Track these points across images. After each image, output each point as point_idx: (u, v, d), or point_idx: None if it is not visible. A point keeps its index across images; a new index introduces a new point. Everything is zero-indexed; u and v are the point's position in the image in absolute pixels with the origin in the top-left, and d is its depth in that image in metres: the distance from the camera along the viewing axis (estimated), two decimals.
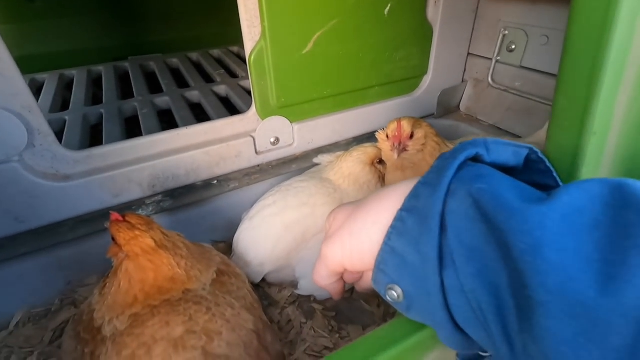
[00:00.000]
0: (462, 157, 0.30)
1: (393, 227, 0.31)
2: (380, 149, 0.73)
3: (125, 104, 1.13)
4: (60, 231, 0.68)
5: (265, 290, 0.73)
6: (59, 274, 0.71)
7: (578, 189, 0.26)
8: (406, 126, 0.71)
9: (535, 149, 0.34)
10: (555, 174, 0.34)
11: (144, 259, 0.52)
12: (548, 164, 0.34)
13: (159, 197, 0.76)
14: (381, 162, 0.75)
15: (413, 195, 0.31)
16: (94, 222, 0.70)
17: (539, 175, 0.35)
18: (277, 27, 0.70)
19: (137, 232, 0.53)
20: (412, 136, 0.72)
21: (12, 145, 0.59)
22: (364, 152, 0.75)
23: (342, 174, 0.74)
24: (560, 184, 0.35)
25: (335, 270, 0.38)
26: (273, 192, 0.74)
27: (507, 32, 0.90)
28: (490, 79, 0.97)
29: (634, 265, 0.21)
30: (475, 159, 0.32)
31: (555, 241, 0.23)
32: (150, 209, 0.74)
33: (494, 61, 0.95)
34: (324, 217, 0.67)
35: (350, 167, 0.74)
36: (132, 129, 1.03)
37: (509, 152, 0.33)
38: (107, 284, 0.53)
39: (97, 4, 1.50)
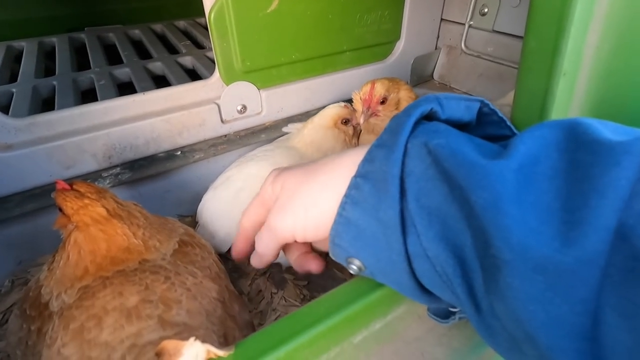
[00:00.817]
0: (416, 114, 0.28)
1: (347, 196, 0.28)
2: (348, 109, 0.70)
3: (80, 76, 1.04)
4: (6, 207, 0.62)
5: (235, 263, 0.71)
6: (7, 254, 0.66)
7: (532, 137, 0.24)
8: (379, 89, 0.69)
9: (487, 102, 0.32)
10: (509, 123, 0.33)
11: (95, 229, 0.48)
12: (500, 114, 0.33)
13: (117, 170, 0.71)
14: (347, 122, 0.72)
15: (367, 160, 0.28)
16: (44, 197, 0.64)
17: (492, 127, 0.33)
18: None
19: (86, 201, 0.49)
20: (384, 101, 0.70)
21: None
22: (324, 115, 0.71)
23: (304, 142, 0.71)
24: (516, 132, 0.33)
25: (284, 241, 0.35)
26: (237, 162, 0.71)
27: None
28: (463, 45, 0.96)
29: (594, 207, 0.20)
30: (430, 116, 0.30)
31: (515, 194, 0.22)
32: (107, 181, 0.69)
33: (466, 26, 0.93)
34: None
35: (312, 133, 0.71)
36: (89, 102, 0.95)
37: (461, 107, 0.31)
38: (56, 258, 0.49)
39: None
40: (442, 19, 0.99)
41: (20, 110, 0.85)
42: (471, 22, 0.92)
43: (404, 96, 0.70)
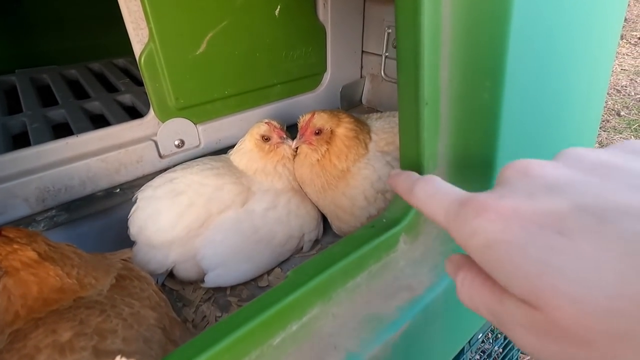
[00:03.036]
0: None
1: None
2: (268, 126, 0.75)
3: (11, 120, 1.02)
4: None
5: (180, 293, 0.72)
6: None
7: None
8: (317, 121, 0.72)
9: None
10: None
11: (26, 273, 0.49)
12: None
13: (52, 212, 0.71)
14: (268, 139, 0.76)
15: None
16: None
17: None
18: (164, 29, 0.71)
19: (15, 246, 0.50)
20: (319, 132, 0.73)
21: None
22: (244, 139, 0.78)
23: (239, 164, 0.77)
24: None
25: None
26: (183, 166, 0.75)
27: (390, 30, 1.01)
28: (382, 73, 1.07)
29: None
30: None
31: None
32: (42, 225, 0.69)
33: (383, 57, 1.05)
34: (228, 191, 0.70)
35: (237, 159, 0.77)
36: (21, 147, 0.94)
37: None
38: None
39: None
40: (363, 51, 1.11)
41: None
42: (387, 54, 1.04)
43: (341, 133, 0.73)
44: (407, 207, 0.51)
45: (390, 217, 0.51)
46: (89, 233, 0.75)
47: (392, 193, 0.74)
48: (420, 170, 0.49)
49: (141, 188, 0.71)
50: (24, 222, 0.68)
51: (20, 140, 0.97)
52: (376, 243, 0.47)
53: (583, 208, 0.19)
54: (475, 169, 0.50)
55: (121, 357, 0.30)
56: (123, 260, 0.62)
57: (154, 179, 0.72)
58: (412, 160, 0.49)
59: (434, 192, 0.27)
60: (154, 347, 0.48)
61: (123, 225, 0.80)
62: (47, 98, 1.20)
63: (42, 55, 1.50)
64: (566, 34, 0.51)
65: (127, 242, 0.79)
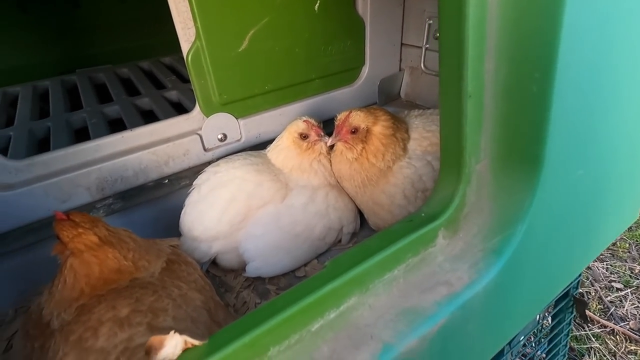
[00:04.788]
0: None
1: None
2: (306, 124, 0.76)
3: (73, 116, 1.12)
4: (7, 242, 0.68)
5: (222, 279, 0.76)
6: (10, 285, 0.71)
7: None
8: (353, 119, 0.71)
9: None
10: None
11: (89, 255, 0.54)
12: None
13: (110, 200, 0.77)
14: (306, 137, 0.77)
15: None
16: (43, 230, 0.71)
17: None
18: (210, 27, 0.74)
19: (80, 230, 0.55)
20: (355, 131, 0.72)
21: None
22: (282, 135, 0.79)
23: (274, 160, 0.78)
24: None
25: None
26: (226, 160, 0.78)
27: (431, 22, 0.98)
28: (422, 66, 1.05)
29: None
30: None
31: None
32: (101, 211, 0.75)
33: (424, 49, 1.03)
34: (267, 189, 0.73)
35: (274, 156, 0.79)
36: (82, 140, 1.02)
37: None
38: (54, 283, 0.55)
39: (36, 19, 1.47)
40: (402, 44, 1.09)
41: (18, 152, 0.91)
42: (427, 45, 1.02)
43: (378, 131, 0.72)
44: (447, 203, 0.50)
45: (429, 212, 0.51)
46: (140, 220, 0.81)
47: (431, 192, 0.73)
48: (461, 165, 0.48)
49: (189, 191, 0.76)
50: (86, 209, 0.75)
51: (81, 135, 1.07)
52: (414, 237, 0.47)
53: None
54: (521, 165, 0.48)
55: (174, 332, 0.33)
56: (171, 246, 0.67)
57: (200, 175, 0.76)
58: (453, 155, 0.48)
59: None
60: (200, 327, 0.51)
61: (170, 213, 0.85)
62: (103, 95, 1.30)
63: (98, 55, 1.61)
64: (624, 24, 0.48)
65: (174, 229, 0.85)
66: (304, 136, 0.77)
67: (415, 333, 0.41)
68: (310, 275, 0.73)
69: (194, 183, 0.76)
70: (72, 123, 1.10)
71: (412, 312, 0.43)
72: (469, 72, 0.41)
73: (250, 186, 0.73)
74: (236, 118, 0.87)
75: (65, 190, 0.72)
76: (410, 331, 0.41)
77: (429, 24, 0.99)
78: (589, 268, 1.60)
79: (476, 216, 0.51)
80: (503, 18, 0.41)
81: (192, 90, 1.26)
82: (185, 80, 1.40)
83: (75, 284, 0.53)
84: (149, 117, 1.14)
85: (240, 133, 0.89)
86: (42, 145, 1.02)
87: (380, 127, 0.72)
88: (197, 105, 0.82)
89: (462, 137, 0.45)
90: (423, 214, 0.51)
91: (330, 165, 0.82)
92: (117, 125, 1.12)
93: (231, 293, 0.73)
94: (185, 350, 0.34)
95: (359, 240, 0.86)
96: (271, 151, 0.81)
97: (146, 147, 0.79)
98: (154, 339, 0.33)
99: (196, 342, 0.34)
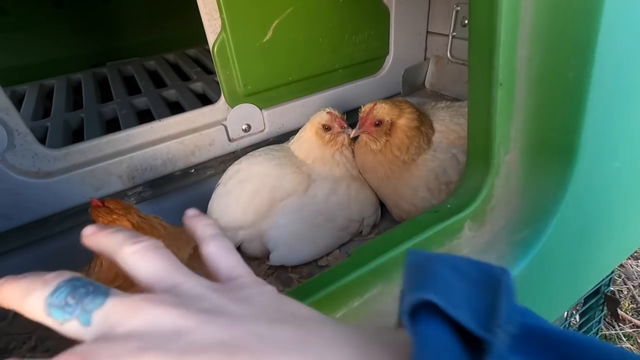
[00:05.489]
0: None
1: None
2: (330, 116, 0.76)
3: (104, 107, 1.16)
4: (48, 226, 0.72)
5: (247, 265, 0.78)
6: (50, 267, 0.75)
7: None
8: (377, 112, 0.70)
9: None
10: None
11: None
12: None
13: (140, 188, 0.80)
14: (329, 128, 0.77)
15: None
16: (79, 215, 0.74)
17: None
18: (235, 18, 0.75)
19: (114, 216, 0.58)
20: (379, 123, 0.71)
21: None
22: (306, 127, 0.79)
23: (297, 151, 0.79)
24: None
25: None
26: (247, 157, 0.79)
27: (459, 8, 0.95)
28: (449, 54, 1.02)
29: None
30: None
31: None
32: (132, 199, 0.78)
33: (450, 37, 1.00)
34: (289, 181, 0.73)
35: (297, 147, 0.79)
36: (113, 130, 1.06)
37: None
38: (91, 265, 0.58)
39: (69, 13, 1.53)
40: (428, 32, 1.06)
41: (54, 141, 0.96)
42: (454, 33, 0.99)
43: (403, 124, 0.71)
44: (474, 193, 0.49)
45: (456, 203, 0.50)
46: (168, 208, 0.84)
47: (456, 184, 0.72)
48: (490, 156, 0.47)
49: (216, 186, 0.78)
50: (117, 196, 0.78)
51: (112, 125, 1.11)
52: (440, 228, 0.47)
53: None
54: (553, 156, 0.47)
55: None
56: None
57: (224, 173, 0.79)
58: (481, 146, 0.47)
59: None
60: None
61: (196, 202, 0.87)
62: (132, 87, 1.34)
63: (127, 48, 1.66)
64: None
65: None
66: (327, 128, 0.76)
67: None
68: (333, 265, 0.74)
69: (219, 181, 0.78)
70: (104, 114, 1.14)
71: None
72: (500, 60, 0.40)
73: (273, 180, 0.74)
74: (260, 109, 0.88)
75: (99, 178, 0.75)
76: None
77: (456, 11, 0.96)
78: (622, 266, 1.53)
79: (504, 208, 0.50)
80: (539, 2, 0.39)
81: (216, 82, 1.28)
82: (209, 71, 1.42)
83: (110, 267, 0.55)
84: (175, 108, 1.18)
85: (264, 124, 0.90)
86: (76, 135, 1.07)
87: (405, 120, 0.71)
88: (222, 96, 0.83)
89: (492, 126, 0.44)
90: (449, 205, 0.50)
91: (353, 157, 0.82)
92: (145, 117, 1.15)
93: None
94: None
95: (380, 231, 0.86)
96: (294, 143, 0.81)
97: (174, 137, 0.81)
98: None
99: None
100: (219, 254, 0.26)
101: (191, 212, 0.30)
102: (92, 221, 0.58)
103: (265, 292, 0.23)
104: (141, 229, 0.59)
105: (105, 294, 0.21)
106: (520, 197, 0.49)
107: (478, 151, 0.48)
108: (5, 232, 0.70)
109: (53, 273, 0.23)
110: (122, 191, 0.79)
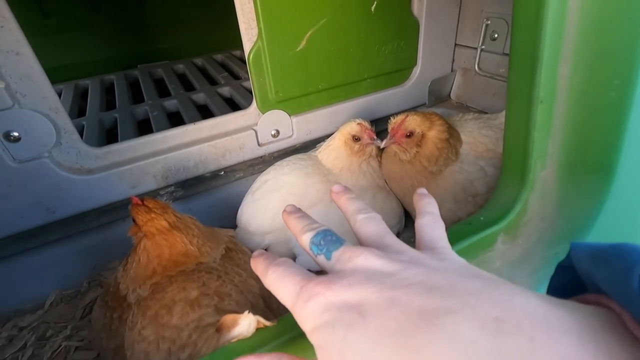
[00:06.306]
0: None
1: None
2: (360, 126, 0.77)
3: (137, 108, 1.21)
4: (86, 220, 0.76)
5: None
6: (85, 259, 0.79)
7: None
8: (409, 124, 0.71)
9: None
10: None
11: (160, 238, 0.59)
12: None
13: (172, 188, 0.83)
14: (358, 139, 0.78)
15: None
16: (115, 211, 0.78)
17: None
18: (272, 28, 0.77)
19: (153, 215, 0.60)
20: (410, 135, 0.72)
21: (43, 142, 0.67)
22: (335, 136, 0.80)
23: (324, 160, 0.80)
24: None
25: None
26: (274, 167, 0.81)
27: (489, 22, 0.96)
28: (477, 67, 1.03)
29: None
30: None
31: None
32: (165, 198, 0.81)
33: (479, 50, 1.00)
34: (316, 190, 0.74)
35: (325, 156, 0.81)
36: (144, 131, 1.10)
37: None
38: (129, 260, 0.61)
39: (106, 17, 1.59)
40: (456, 44, 1.07)
41: (90, 140, 1.01)
42: (483, 47, 0.99)
43: (433, 136, 0.72)
44: (508, 207, 0.50)
45: (489, 216, 0.50)
46: (198, 208, 0.87)
47: (483, 197, 0.72)
48: (526, 171, 0.47)
49: (246, 195, 0.81)
50: (151, 195, 0.81)
51: (143, 126, 1.15)
52: (473, 240, 0.47)
53: (385, 297, 0.23)
54: (591, 174, 0.47)
55: (248, 312, 0.36)
56: (228, 235, 0.71)
57: (253, 183, 0.81)
58: (517, 160, 0.48)
59: (283, 276, 0.28)
60: (257, 313, 0.54)
61: (224, 203, 0.90)
62: (162, 90, 1.38)
63: (158, 52, 1.72)
64: None
65: (227, 219, 0.90)
66: (356, 138, 0.78)
67: None
68: None
69: (249, 190, 0.81)
70: (136, 115, 1.19)
71: None
72: (542, 77, 0.41)
73: (300, 189, 0.76)
74: (289, 115, 0.90)
75: (136, 177, 0.78)
76: None
77: (487, 25, 0.97)
78: None
79: (538, 223, 0.50)
80: (584, 21, 0.40)
81: (243, 87, 1.32)
82: (236, 77, 1.46)
83: (148, 263, 0.58)
84: (204, 111, 1.21)
85: (292, 130, 0.92)
86: (109, 134, 1.11)
87: (435, 132, 0.72)
88: (254, 101, 0.86)
89: (529, 142, 0.45)
90: (482, 218, 0.51)
91: (379, 167, 0.83)
92: (175, 119, 1.19)
93: None
94: (258, 330, 0.37)
95: (403, 240, 0.87)
96: (322, 152, 0.83)
97: (207, 140, 0.84)
98: (227, 317, 0.37)
99: (268, 323, 0.37)
100: (429, 225, 0.32)
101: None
102: (130, 217, 0.61)
103: (459, 260, 0.27)
104: (177, 228, 0.61)
105: (342, 242, 0.29)
106: (555, 212, 0.49)
107: (514, 165, 0.49)
108: (47, 224, 0.73)
109: (318, 223, 0.32)
110: (155, 190, 0.82)
